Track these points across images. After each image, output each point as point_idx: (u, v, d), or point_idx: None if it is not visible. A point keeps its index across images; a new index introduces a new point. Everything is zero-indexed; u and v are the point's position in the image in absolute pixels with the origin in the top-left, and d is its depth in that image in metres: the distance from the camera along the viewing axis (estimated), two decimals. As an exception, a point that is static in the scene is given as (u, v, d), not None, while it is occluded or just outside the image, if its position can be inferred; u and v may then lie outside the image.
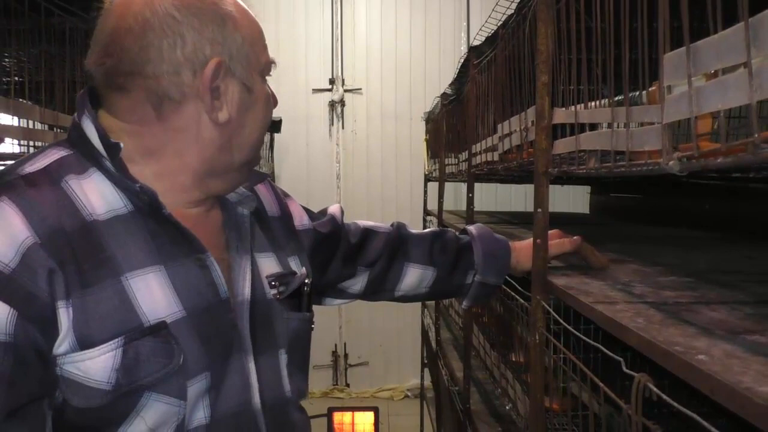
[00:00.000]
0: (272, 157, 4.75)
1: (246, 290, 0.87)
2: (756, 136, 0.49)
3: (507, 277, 1.33)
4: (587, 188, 3.65)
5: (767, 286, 1.08)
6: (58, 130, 1.66)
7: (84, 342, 0.70)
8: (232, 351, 0.83)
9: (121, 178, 0.78)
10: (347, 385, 5.45)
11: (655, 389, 0.65)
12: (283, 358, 0.92)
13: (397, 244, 1.24)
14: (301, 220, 1.13)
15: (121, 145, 0.79)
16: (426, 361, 4.29)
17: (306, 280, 0.99)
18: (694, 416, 0.56)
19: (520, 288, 1.34)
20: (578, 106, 1.00)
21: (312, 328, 1.02)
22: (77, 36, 1.62)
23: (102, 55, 0.79)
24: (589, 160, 0.91)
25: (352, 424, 4.23)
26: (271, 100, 0.91)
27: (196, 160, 0.83)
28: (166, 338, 0.75)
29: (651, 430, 0.65)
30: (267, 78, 0.91)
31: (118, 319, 0.72)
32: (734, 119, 1.35)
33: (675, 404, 0.62)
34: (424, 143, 4.40)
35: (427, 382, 4.14)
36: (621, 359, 0.75)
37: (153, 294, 0.75)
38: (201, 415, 0.79)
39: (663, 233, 2.18)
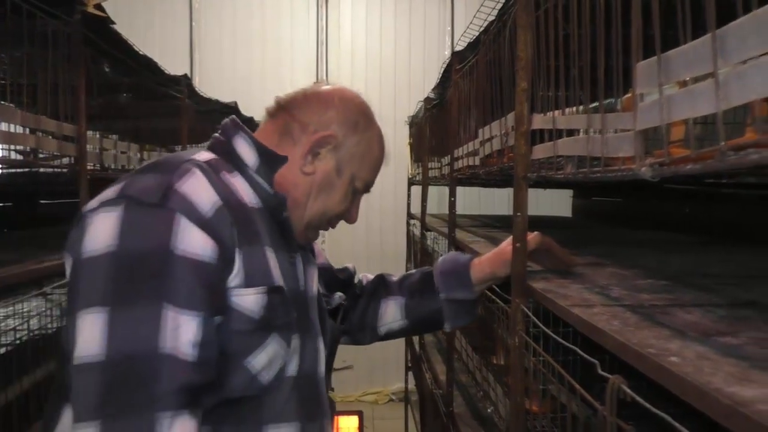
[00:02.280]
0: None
1: (314, 289, 1.10)
2: (722, 143, 0.51)
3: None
4: (570, 192, 3.68)
5: (741, 289, 1.10)
6: (40, 134, 1.65)
7: (247, 282, 0.92)
8: (307, 329, 1.04)
9: (260, 181, 1.03)
10: (332, 389, 5.43)
11: (628, 391, 0.67)
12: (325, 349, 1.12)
13: (376, 286, 1.41)
14: (320, 258, 1.31)
15: (288, 158, 1.04)
16: (410, 365, 4.30)
17: (343, 301, 1.28)
18: (664, 416, 0.57)
19: (500, 292, 1.35)
20: (556, 113, 1.01)
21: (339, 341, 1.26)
22: (60, 39, 1.61)
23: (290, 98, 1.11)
24: (567, 165, 0.92)
25: (337, 428, 4.23)
26: (347, 205, 1.12)
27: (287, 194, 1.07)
28: (284, 298, 0.97)
29: (625, 431, 0.66)
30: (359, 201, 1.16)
31: (263, 273, 0.95)
32: (710, 125, 1.37)
33: (646, 405, 0.63)
34: (408, 147, 4.41)
35: (412, 385, 4.15)
36: (596, 362, 0.76)
37: (275, 267, 0.98)
38: (293, 367, 1.00)
39: (643, 236, 2.21)
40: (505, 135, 1.32)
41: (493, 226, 2.73)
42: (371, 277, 1.45)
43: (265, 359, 0.94)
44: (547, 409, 1.27)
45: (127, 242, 0.82)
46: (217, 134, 1.08)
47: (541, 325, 1.04)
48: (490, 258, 1.31)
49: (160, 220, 0.84)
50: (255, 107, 4.66)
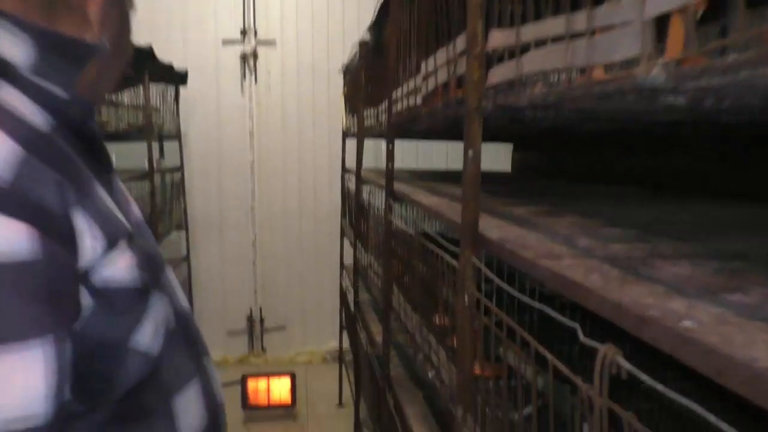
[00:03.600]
0: (178, 111, 4.39)
1: (137, 209, 0.85)
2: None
3: (430, 233, 1.18)
4: (510, 146, 3.57)
5: (721, 239, 0.97)
6: None
7: (110, 244, 0.66)
8: (161, 265, 0.81)
9: (44, 86, 0.69)
10: (263, 350, 5.26)
11: (627, 365, 0.51)
12: None
13: None
14: None
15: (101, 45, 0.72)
16: (344, 324, 4.17)
17: None
18: (682, 399, 0.42)
19: (445, 244, 1.19)
20: (520, 26, 0.84)
21: None
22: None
23: None
24: (535, 84, 0.75)
25: (268, 390, 4.08)
26: None
27: None
28: (138, 240, 0.73)
29: (622, 419, 0.51)
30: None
31: (114, 222, 0.69)
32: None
33: (655, 383, 0.47)
34: (342, 97, 4.19)
35: (347, 344, 4.02)
36: (577, 326, 0.61)
37: (112, 205, 0.72)
38: (171, 317, 0.79)
39: (590, 190, 2.10)
40: (453, 63, 1.13)
41: (432, 178, 2.58)
42: None
43: (152, 328, 0.72)
44: (499, 373, 1.13)
45: None
46: None
47: (497, 279, 0.88)
48: None
49: None
50: (175, 56, 4.28)
